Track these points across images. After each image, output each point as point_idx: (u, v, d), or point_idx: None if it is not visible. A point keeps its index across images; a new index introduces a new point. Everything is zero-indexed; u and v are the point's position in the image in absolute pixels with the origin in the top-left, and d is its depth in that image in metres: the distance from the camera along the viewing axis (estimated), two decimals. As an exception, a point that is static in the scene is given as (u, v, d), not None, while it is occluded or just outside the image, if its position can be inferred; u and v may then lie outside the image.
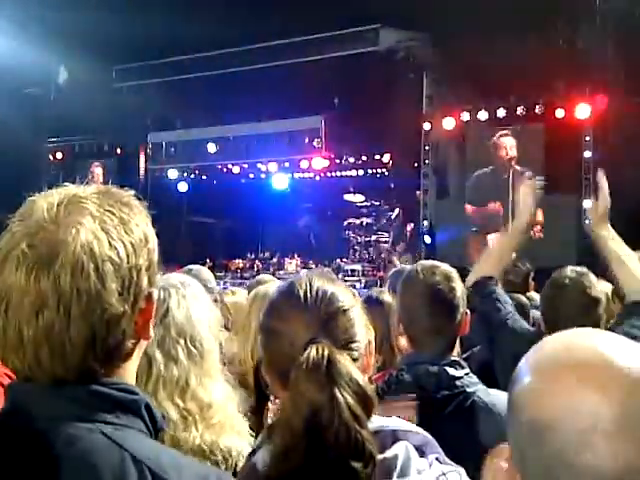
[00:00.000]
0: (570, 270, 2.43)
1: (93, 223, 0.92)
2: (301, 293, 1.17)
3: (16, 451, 0.89)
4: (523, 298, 3.96)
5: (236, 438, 1.48)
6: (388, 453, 1.07)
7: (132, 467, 0.89)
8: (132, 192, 1.03)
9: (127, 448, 0.90)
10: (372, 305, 2.52)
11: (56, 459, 0.88)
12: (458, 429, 1.64)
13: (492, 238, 7.93)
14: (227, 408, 1.51)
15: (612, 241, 2.41)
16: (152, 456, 0.92)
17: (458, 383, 1.77)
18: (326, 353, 1.04)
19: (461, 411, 1.73)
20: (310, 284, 1.18)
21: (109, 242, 0.92)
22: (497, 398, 1.77)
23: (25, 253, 0.89)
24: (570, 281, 2.36)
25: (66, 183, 0.99)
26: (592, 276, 2.40)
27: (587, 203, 2.60)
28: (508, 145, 9.08)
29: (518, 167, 8.84)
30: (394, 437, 1.11)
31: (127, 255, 0.93)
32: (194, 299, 1.57)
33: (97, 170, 9.20)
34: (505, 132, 9.11)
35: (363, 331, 1.18)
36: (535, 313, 4.01)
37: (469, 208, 9.63)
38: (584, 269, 2.44)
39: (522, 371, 0.81)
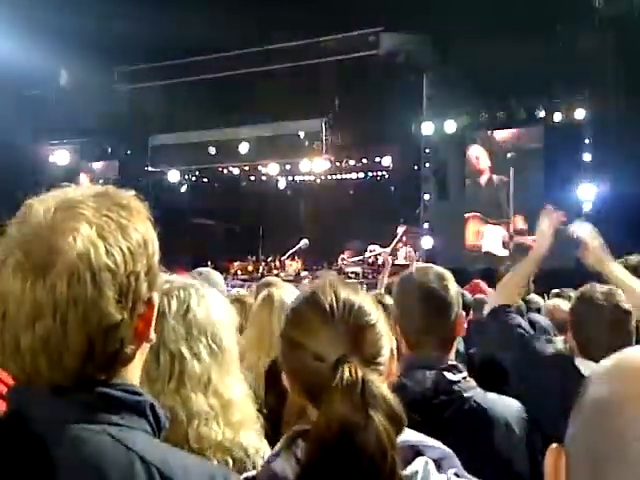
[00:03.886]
0: (599, 286, 2.43)
1: (90, 230, 0.89)
2: (327, 305, 1.13)
3: (20, 455, 0.87)
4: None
5: (254, 436, 1.50)
6: (408, 470, 1.06)
7: (141, 469, 0.88)
8: (132, 192, 1.00)
9: (135, 450, 0.89)
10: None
11: (62, 462, 0.86)
12: (457, 434, 1.65)
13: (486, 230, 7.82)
14: (246, 406, 1.52)
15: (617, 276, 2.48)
16: (160, 457, 0.91)
17: (455, 388, 1.76)
18: (360, 375, 1.02)
19: (459, 416, 1.73)
20: (336, 295, 1.15)
21: (106, 249, 0.89)
22: (494, 402, 1.77)
23: (21, 261, 0.87)
24: (602, 295, 2.36)
25: (65, 183, 0.97)
26: (621, 292, 2.42)
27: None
28: (479, 156, 8.89)
29: (495, 176, 8.74)
30: (414, 452, 1.10)
31: (125, 262, 0.90)
32: (213, 299, 1.59)
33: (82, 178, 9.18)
34: (473, 141, 8.91)
35: (387, 341, 1.16)
36: (533, 316, 4.04)
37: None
38: (612, 286, 2.45)
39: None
